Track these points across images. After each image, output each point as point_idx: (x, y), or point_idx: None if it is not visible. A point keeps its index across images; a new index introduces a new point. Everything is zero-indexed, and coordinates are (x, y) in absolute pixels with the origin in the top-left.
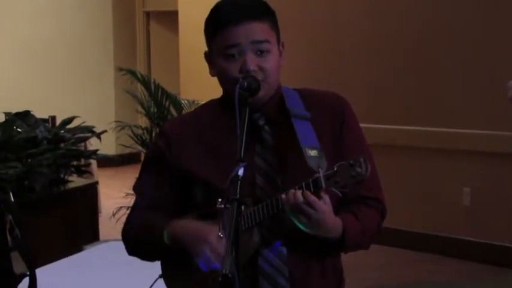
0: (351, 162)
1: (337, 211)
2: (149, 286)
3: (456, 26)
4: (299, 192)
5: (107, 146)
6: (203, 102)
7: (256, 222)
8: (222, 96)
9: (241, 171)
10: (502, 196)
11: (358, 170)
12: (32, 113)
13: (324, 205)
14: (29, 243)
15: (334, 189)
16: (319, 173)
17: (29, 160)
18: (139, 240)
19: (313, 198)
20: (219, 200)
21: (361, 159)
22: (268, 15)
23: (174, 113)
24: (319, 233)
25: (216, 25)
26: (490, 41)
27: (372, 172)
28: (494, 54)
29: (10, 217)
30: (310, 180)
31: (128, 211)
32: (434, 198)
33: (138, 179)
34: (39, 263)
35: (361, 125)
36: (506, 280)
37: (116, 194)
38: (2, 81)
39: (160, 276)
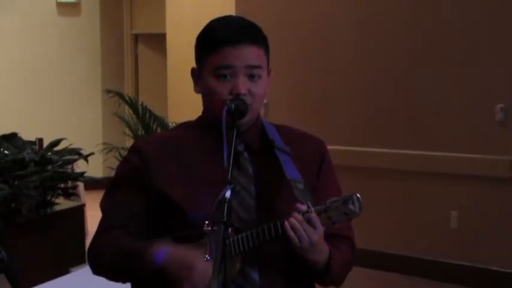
0: (344, 199)
1: None
2: None
3: (446, 48)
4: (298, 213)
5: (94, 168)
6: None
7: (243, 249)
8: (199, 117)
9: (228, 193)
10: (490, 219)
11: (351, 207)
12: (19, 135)
13: (320, 225)
14: (15, 266)
15: (324, 225)
16: (309, 206)
17: (16, 182)
18: (109, 261)
19: (314, 215)
20: (206, 222)
21: (354, 197)
22: (263, 40)
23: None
24: (311, 254)
25: (212, 43)
26: (479, 64)
27: None
28: (483, 77)
29: None
30: (301, 212)
31: None
32: (422, 221)
33: (107, 197)
34: (26, 285)
35: (350, 148)
36: None
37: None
38: None
39: None
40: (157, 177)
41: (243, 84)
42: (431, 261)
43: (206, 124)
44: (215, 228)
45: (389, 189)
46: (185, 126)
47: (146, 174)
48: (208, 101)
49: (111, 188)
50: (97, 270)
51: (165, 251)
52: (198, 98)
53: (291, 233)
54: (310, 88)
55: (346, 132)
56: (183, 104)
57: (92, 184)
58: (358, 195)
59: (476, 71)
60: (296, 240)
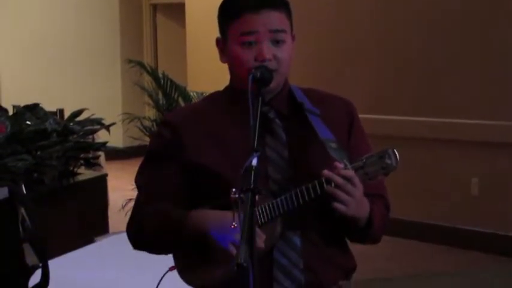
0: (380, 154)
1: None
2: (160, 278)
3: (464, 15)
4: (339, 171)
5: (114, 138)
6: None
7: (282, 211)
8: (227, 87)
9: (255, 161)
10: (510, 186)
11: (388, 161)
12: (40, 105)
13: (359, 182)
14: (40, 235)
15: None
16: (346, 164)
17: (39, 153)
18: (152, 233)
19: (353, 173)
20: (233, 190)
21: (389, 151)
22: (285, 5)
23: (183, 105)
24: (356, 212)
25: (234, 10)
26: (498, 29)
27: None
28: (502, 42)
29: (22, 209)
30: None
31: None
32: (442, 189)
33: (141, 172)
34: (51, 255)
35: (369, 116)
36: None
37: (124, 187)
38: (10, 74)
39: (170, 269)
40: (190, 148)
41: (267, 50)
42: (452, 228)
43: (234, 94)
44: (242, 195)
45: (409, 157)
46: (213, 97)
47: (179, 147)
48: (234, 69)
49: (145, 163)
50: (139, 244)
51: (193, 214)
52: (218, 67)
53: (336, 192)
54: (326, 58)
55: (365, 103)
56: (203, 73)
57: (112, 154)
58: (394, 150)
59: (495, 36)
60: (340, 197)
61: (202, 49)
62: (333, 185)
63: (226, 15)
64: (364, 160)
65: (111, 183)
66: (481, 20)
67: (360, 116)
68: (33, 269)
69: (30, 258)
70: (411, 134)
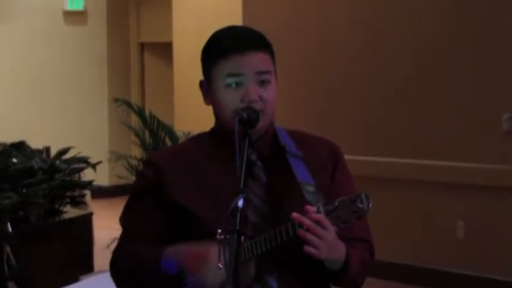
0: (353, 198)
1: None
2: None
3: (451, 57)
4: (309, 215)
5: (100, 176)
6: (191, 135)
7: (256, 253)
8: (213, 128)
9: (241, 202)
10: (496, 230)
11: (360, 205)
12: (26, 143)
13: (331, 225)
14: (25, 273)
15: (334, 225)
16: (318, 207)
17: (25, 190)
18: (130, 271)
19: (323, 217)
20: (219, 230)
21: (363, 195)
22: (268, 46)
23: (170, 144)
24: (328, 255)
25: (219, 52)
26: (485, 74)
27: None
28: (490, 87)
29: (8, 247)
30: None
31: None
32: (428, 231)
33: (124, 211)
34: None
35: (356, 157)
36: None
37: (109, 225)
38: None
39: None
40: (172, 190)
41: (254, 91)
42: (437, 271)
43: (219, 135)
44: (228, 236)
45: (395, 199)
46: (199, 138)
47: (161, 188)
48: (219, 111)
49: (129, 203)
50: (118, 284)
51: (176, 251)
52: (205, 107)
53: (306, 235)
54: (314, 97)
55: (350, 141)
56: (190, 112)
57: (98, 192)
58: (366, 194)
59: (483, 81)
60: (310, 241)
61: (189, 88)
62: (305, 228)
63: (211, 57)
64: (337, 204)
65: (97, 222)
66: (468, 64)
67: (346, 157)
68: None
69: None
70: (397, 175)
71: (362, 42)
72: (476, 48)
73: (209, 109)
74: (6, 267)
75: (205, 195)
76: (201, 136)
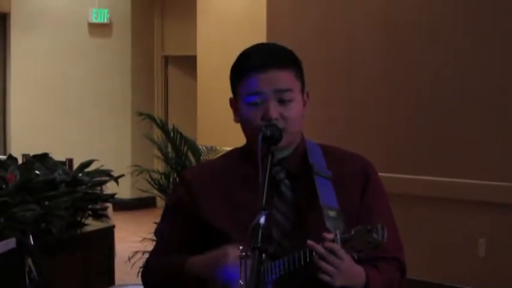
0: (368, 227)
1: None
2: None
3: (470, 77)
4: (324, 243)
5: (122, 189)
6: (227, 150)
7: (274, 276)
8: (244, 145)
9: (262, 219)
10: None
11: (375, 236)
12: (50, 155)
13: (346, 254)
14: (46, 283)
15: (350, 254)
16: (336, 235)
17: (47, 203)
18: (158, 281)
19: (337, 246)
20: (240, 247)
21: (379, 226)
22: (293, 64)
23: (192, 159)
24: (344, 282)
25: (240, 72)
26: (508, 91)
27: (393, 233)
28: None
29: (30, 260)
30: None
31: (144, 256)
32: (449, 249)
33: (159, 224)
34: None
35: (379, 174)
36: None
37: (130, 238)
38: (20, 123)
39: None
40: (202, 208)
41: (274, 109)
42: None
43: (248, 152)
44: (249, 253)
45: (417, 216)
46: (231, 154)
47: (191, 204)
48: (244, 129)
49: (162, 216)
50: None
51: (193, 258)
52: (228, 121)
53: (319, 263)
54: (336, 113)
55: (372, 158)
56: (213, 126)
57: (120, 205)
58: (383, 225)
59: (506, 99)
60: (323, 268)
61: (212, 102)
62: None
63: (235, 76)
64: (353, 233)
65: (118, 234)
66: (490, 80)
67: None
68: None
69: None
70: (419, 192)
71: (386, 56)
72: (500, 69)
73: (231, 124)
74: (27, 280)
75: (232, 213)
76: (233, 152)
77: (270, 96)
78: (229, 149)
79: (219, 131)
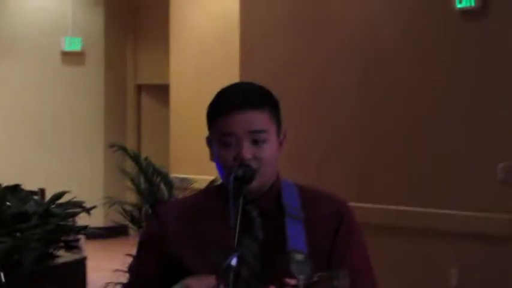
0: (332, 274)
1: None
2: None
3: (447, 105)
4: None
5: (95, 220)
6: (200, 185)
7: None
8: (221, 183)
9: (234, 262)
10: (490, 278)
11: (336, 283)
12: (21, 186)
13: None
14: None
15: None
16: (299, 280)
17: (19, 235)
18: None
19: None
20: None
21: (341, 273)
22: (268, 104)
23: (165, 190)
24: None
25: (215, 112)
26: (481, 123)
27: (369, 277)
28: (485, 136)
29: None
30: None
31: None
32: (420, 279)
33: (133, 260)
34: None
35: (352, 204)
36: None
37: (103, 267)
38: None
39: None
40: (173, 246)
41: (246, 150)
42: None
43: (222, 191)
44: None
45: (387, 246)
46: (207, 191)
47: (163, 241)
48: (218, 168)
49: (136, 250)
50: None
51: None
52: (200, 151)
53: None
54: (311, 142)
55: (343, 188)
56: (186, 155)
57: (92, 234)
58: (346, 272)
59: (479, 130)
60: None
61: (185, 132)
62: None
63: (210, 116)
64: (316, 279)
65: (91, 263)
66: (464, 113)
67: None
68: None
69: None
70: (390, 222)
71: (360, 87)
72: (475, 96)
73: (204, 153)
74: None
75: (204, 252)
76: (209, 190)
77: (244, 137)
78: (202, 177)
79: (191, 160)
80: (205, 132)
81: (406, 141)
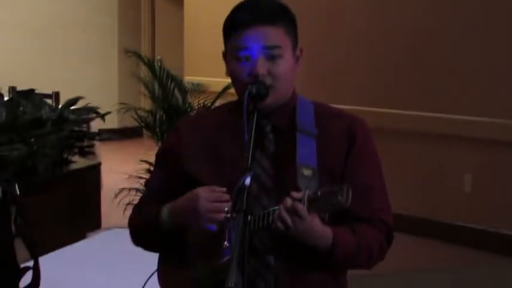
0: (335, 189)
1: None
2: (148, 276)
3: (459, 12)
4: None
5: (109, 124)
6: (215, 91)
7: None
8: (236, 100)
9: (247, 181)
10: (503, 183)
11: (339, 198)
12: (36, 91)
13: (307, 214)
14: (32, 230)
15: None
16: (304, 194)
17: (33, 141)
18: (140, 229)
19: (300, 206)
20: (225, 209)
21: (344, 188)
22: (284, 19)
23: (179, 96)
24: (307, 240)
25: (230, 27)
26: (499, 28)
27: (379, 194)
28: (501, 41)
29: (15, 209)
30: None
31: (130, 193)
32: (435, 184)
33: (151, 174)
34: (43, 250)
35: (362, 108)
36: (506, 267)
37: (117, 169)
38: (5, 57)
39: (155, 272)
40: (188, 159)
41: (261, 65)
42: (444, 224)
43: (236, 107)
44: (234, 215)
45: (403, 151)
46: (225, 107)
47: (179, 156)
48: (233, 84)
49: (154, 164)
50: (135, 242)
51: (169, 203)
52: (214, 55)
53: (277, 223)
54: (322, 51)
55: (360, 94)
56: (200, 60)
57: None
58: (348, 187)
59: (494, 35)
60: (280, 228)
61: (200, 36)
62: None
63: (226, 30)
64: (319, 194)
65: (105, 166)
66: (480, 22)
67: (353, 107)
68: (24, 270)
69: (22, 253)
70: (406, 127)
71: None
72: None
73: (219, 57)
74: (13, 226)
75: (215, 167)
76: (227, 106)
77: (258, 52)
78: (217, 80)
79: (205, 64)
80: (219, 35)
81: (419, 47)
